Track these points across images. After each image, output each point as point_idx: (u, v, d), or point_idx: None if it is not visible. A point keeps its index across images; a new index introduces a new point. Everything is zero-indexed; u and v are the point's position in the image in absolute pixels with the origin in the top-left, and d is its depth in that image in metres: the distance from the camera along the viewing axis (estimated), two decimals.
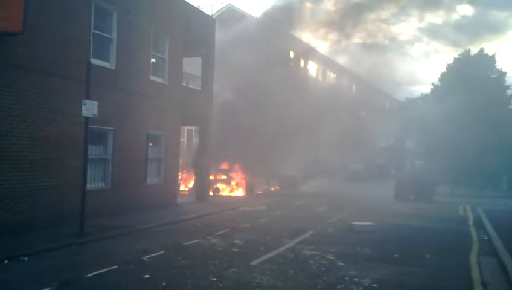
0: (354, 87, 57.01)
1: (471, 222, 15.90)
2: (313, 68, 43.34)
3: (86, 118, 10.89)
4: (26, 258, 8.71)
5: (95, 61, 12.60)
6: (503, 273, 8.48)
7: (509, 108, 45.73)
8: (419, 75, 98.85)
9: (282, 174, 27.54)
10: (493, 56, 46.43)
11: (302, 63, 36.47)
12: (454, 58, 47.01)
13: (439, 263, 9.34)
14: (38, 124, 11.53)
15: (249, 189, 23.77)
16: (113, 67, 14.09)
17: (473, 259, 9.85)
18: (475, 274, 8.58)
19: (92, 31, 13.25)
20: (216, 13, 27.66)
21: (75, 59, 12.14)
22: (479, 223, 15.16)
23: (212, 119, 20.57)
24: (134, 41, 14.86)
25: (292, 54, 32.37)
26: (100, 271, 7.99)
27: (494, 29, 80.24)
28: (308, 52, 32.09)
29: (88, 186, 12.00)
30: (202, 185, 20.07)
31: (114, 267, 8.31)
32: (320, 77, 45.22)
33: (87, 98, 10.78)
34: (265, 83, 22.90)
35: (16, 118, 10.91)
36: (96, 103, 10.92)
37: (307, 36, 29.82)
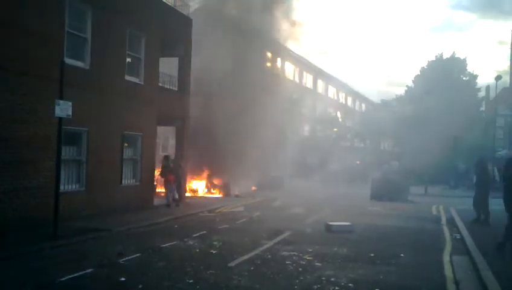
0: (329, 87, 57.48)
1: (444, 221, 16.23)
2: (289, 69, 43.44)
3: (60, 118, 10.67)
4: None
5: (69, 60, 12.36)
6: (475, 271, 8.69)
7: (480, 110, 47.01)
8: (395, 76, 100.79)
9: (261, 175, 27.56)
10: (464, 60, 47.67)
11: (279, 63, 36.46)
12: (428, 61, 48.15)
13: (413, 262, 9.51)
14: (10, 125, 11.23)
15: (227, 190, 23.67)
16: (87, 67, 13.84)
17: (446, 257, 10.06)
18: (448, 272, 8.77)
19: (67, 29, 13.00)
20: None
21: (48, 58, 11.88)
22: (451, 223, 15.49)
23: (189, 119, 20.45)
24: (109, 40, 14.63)
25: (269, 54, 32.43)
26: (75, 275, 7.83)
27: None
28: (284, 52, 32.17)
29: (62, 188, 11.75)
30: (179, 187, 19.90)
31: (89, 270, 8.15)
32: (296, 78, 45.48)
33: (61, 98, 10.56)
34: (243, 82, 22.88)
35: None
36: (70, 103, 10.71)
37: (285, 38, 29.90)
